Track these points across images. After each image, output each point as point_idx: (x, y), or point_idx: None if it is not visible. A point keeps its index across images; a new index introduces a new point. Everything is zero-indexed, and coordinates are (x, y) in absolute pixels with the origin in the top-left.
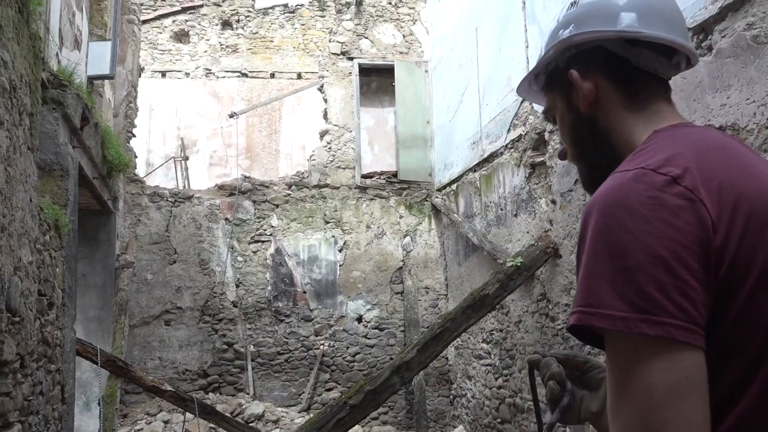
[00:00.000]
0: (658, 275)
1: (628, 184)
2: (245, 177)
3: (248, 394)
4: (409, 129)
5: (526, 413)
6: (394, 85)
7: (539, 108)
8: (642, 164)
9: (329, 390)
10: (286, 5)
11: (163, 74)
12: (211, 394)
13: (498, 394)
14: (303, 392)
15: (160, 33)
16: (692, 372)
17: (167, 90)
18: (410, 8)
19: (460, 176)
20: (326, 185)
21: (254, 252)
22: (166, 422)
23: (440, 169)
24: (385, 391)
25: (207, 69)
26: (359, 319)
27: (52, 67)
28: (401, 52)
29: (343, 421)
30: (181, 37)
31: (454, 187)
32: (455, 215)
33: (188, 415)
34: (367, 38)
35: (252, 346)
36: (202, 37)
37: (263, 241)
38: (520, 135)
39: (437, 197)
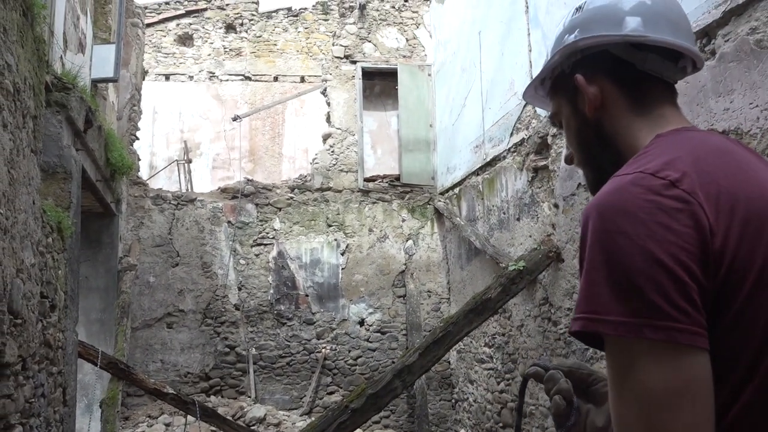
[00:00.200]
0: (658, 279)
1: (627, 187)
2: (248, 180)
3: (250, 397)
4: (412, 132)
5: (528, 418)
6: (397, 89)
7: (542, 112)
8: (641, 168)
9: (331, 393)
10: (289, 9)
11: (167, 77)
12: (212, 397)
13: (500, 399)
14: (305, 395)
15: (164, 36)
16: (697, 374)
17: (171, 93)
18: (413, 12)
19: (463, 180)
20: (329, 188)
21: (257, 255)
22: (167, 425)
23: (443, 172)
24: (387, 395)
25: (210, 72)
26: (361, 323)
27: (56, 70)
28: (404, 56)
29: (344, 425)
30: (185, 40)
31: (456, 190)
32: (458, 219)
33: (190, 418)
34: (370, 42)
35: (254, 349)
36: (206, 41)
37: (266, 244)
38: (523, 139)
39: (440, 201)
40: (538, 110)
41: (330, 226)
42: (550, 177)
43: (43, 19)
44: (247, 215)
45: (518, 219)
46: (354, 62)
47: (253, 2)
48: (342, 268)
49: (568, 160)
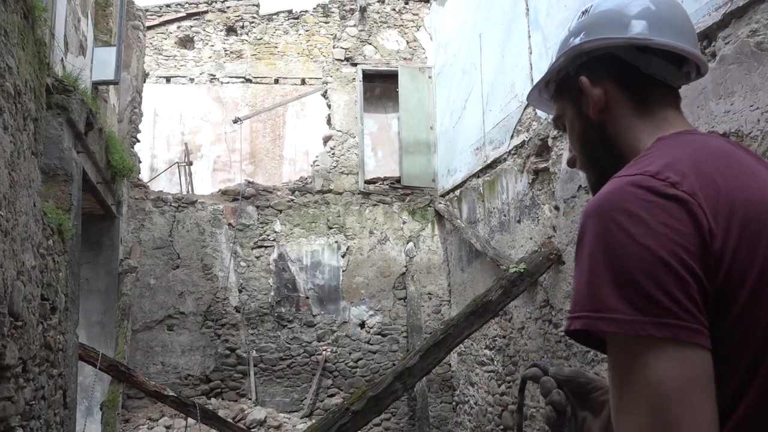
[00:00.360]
0: (661, 277)
1: (627, 188)
2: (249, 182)
3: (250, 399)
4: (412, 135)
5: (529, 420)
6: (397, 91)
7: (543, 114)
8: (641, 170)
9: (331, 396)
10: (290, 11)
11: (168, 80)
12: (213, 400)
13: (501, 401)
14: (305, 398)
15: (165, 39)
16: (700, 371)
17: (172, 95)
18: (414, 15)
19: (464, 182)
20: (329, 191)
21: (257, 257)
22: (168, 427)
23: (443, 174)
24: (388, 398)
25: (211, 75)
26: (362, 325)
27: (56, 73)
28: (405, 58)
29: (345, 427)
30: (186, 42)
31: (457, 192)
32: (458, 221)
33: (190, 420)
34: (370, 44)
35: (254, 352)
36: (207, 43)
37: (266, 247)
38: (524, 141)
39: (440, 203)
40: (539, 112)
41: (330, 228)
42: (551, 179)
43: (44, 22)
44: (247, 217)
45: (519, 221)
46: (354, 64)
47: (253, 5)
48: (343, 271)
49: (571, 163)
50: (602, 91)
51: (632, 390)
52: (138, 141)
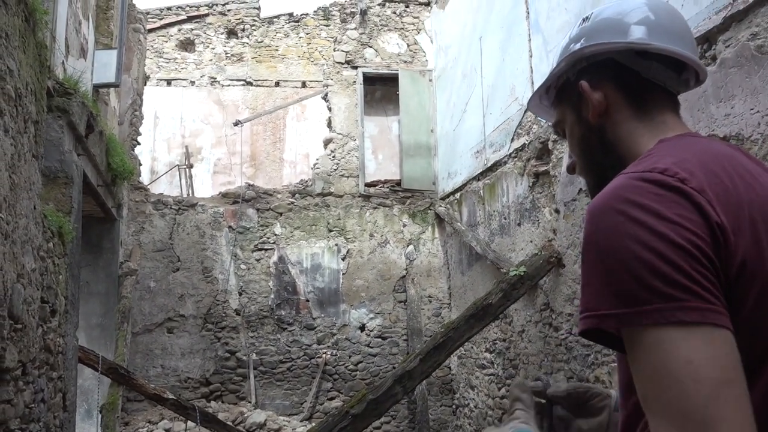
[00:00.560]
0: (681, 264)
1: (636, 182)
2: (249, 185)
3: (250, 402)
4: (413, 138)
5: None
6: (398, 94)
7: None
8: (649, 167)
9: (331, 399)
10: (291, 14)
11: (169, 82)
12: (213, 403)
13: (501, 404)
14: (305, 401)
15: (166, 42)
16: (732, 351)
17: (172, 98)
18: (414, 18)
19: (464, 185)
20: (330, 194)
21: (257, 260)
22: (167, 430)
23: (444, 177)
24: (388, 401)
25: (212, 77)
26: (362, 328)
27: (57, 76)
28: (405, 62)
29: (345, 431)
30: (187, 45)
31: (457, 195)
32: (459, 224)
33: (190, 423)
34: (371, 47)
35: (254, 355)
36: (208, 46)
37: (266, 249)
38: (524, 144)
39: (441, 206)
40: None
41: (331, 231)
42: (551, 182)
43: (45, 25)
44: (248, 220)
45: (519, 224)
46: (355, 67)
47: (254, 8)
48: (343, 273)
49: (571, 169)
50: (602, 95)
51: (670, 377)
52: (138, 144)
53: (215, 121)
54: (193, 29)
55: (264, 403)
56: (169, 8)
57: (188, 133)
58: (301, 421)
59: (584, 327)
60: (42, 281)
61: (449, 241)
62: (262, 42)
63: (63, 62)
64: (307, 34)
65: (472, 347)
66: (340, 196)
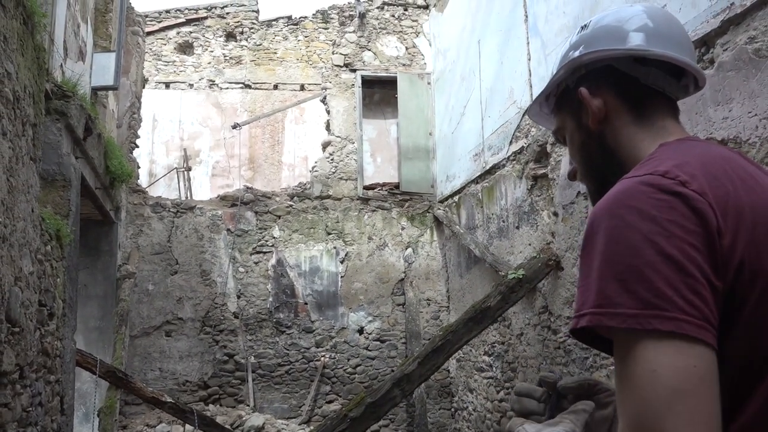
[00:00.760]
0: (668, 273)
1: (637, 187)
2: (247, 188)
3: (248, 405)
4: (411, 141)
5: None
6: (396, 97)
7: None
8: (650, 170)
9: (330, 402)
10: (289, 17)
11: (167, 85)
12: (211, 406)
13: (500, 407)
14: (303, 404)
15: (165, 44)
16: (703, 367)
17: (171, 101)
18: (413, 21)
19: (462, 188)
20: (328, 196)
21: (256, 263)
22: None
23: (442, 180)
24: (386, 404)
25: (210, 80)
26: (360, 331)
27: (56, 78)
28: (404, 64)
29: None
30: (185, 48)
31: (456, 198)
32: (457, 227)
33: (188, 427)
34: (370, 50)
35: (253, 358)
36: (206, 49)
37: (265, 252)
38: (522, 147)
39: (439, 209)
40: None
41: (329, 234)
42: (550, 185)
43: (44, 28)
44: (246, 223)
45: (517, 227)
46: (354, 70)
47: (253, 11)
48: (341, 276)
49: (571, 176)
50: (602, 101)
51: (631, 381)
52: (137, 146)
53: (214, 124)
54: (191, 32)
55: (262, 407)
56: (167, 11)
57: (187, 136)
58: (299, 424)
59: (571, 326)
60: (40, 284)
61: (448, 244)
62: (260, 45)
63: (61, 65)
64: (306, 37)
65: (470, 350)
66: (339, 199)
